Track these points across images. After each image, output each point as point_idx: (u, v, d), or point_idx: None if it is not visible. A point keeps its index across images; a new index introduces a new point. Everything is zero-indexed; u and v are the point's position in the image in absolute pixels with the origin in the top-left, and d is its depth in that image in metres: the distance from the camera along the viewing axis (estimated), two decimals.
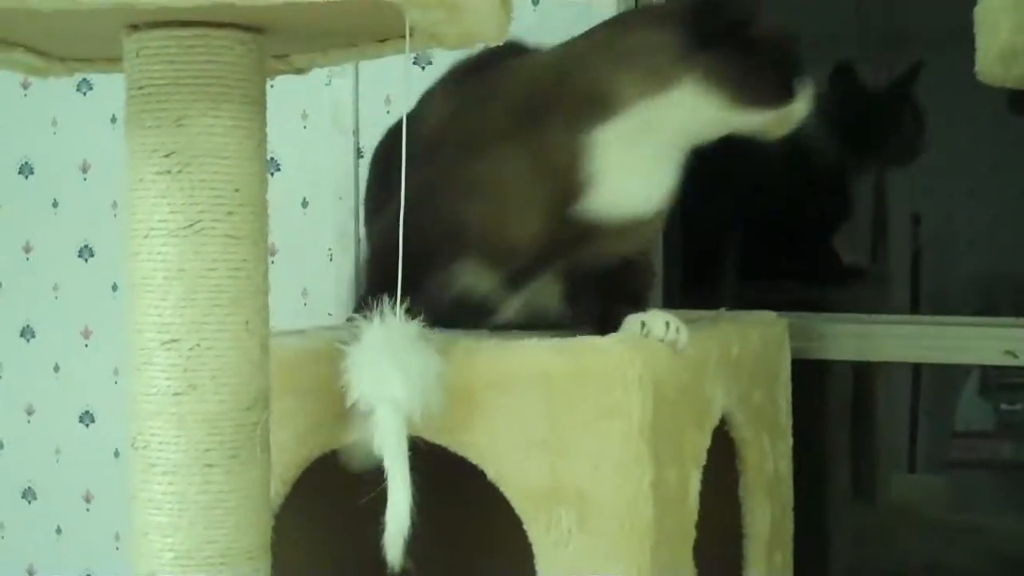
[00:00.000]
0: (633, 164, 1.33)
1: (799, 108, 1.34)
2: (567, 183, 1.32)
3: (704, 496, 1.50)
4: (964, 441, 2.90)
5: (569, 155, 1.31)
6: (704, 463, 1.34)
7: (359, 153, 1.90)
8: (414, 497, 1.11)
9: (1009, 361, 1.78)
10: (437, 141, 1.40)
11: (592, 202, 1.32)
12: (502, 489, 1.24)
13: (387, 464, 1.11)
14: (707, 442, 1.35)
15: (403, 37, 1.03)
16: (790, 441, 1.69)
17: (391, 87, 1.93)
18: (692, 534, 1.30)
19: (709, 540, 1.56)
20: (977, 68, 1.16)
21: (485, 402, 1.24)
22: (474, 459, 1.25)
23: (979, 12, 1.14)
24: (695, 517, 1.30)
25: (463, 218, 1.36)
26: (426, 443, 1.18)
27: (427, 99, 1.53)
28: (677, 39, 1.30)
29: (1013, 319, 1.86)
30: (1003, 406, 2.86)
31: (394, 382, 1.09)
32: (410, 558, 1.11)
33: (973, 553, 2.41)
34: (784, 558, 1.67)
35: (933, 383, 2.89)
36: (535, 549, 1.22)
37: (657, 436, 1.21)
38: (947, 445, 2.95)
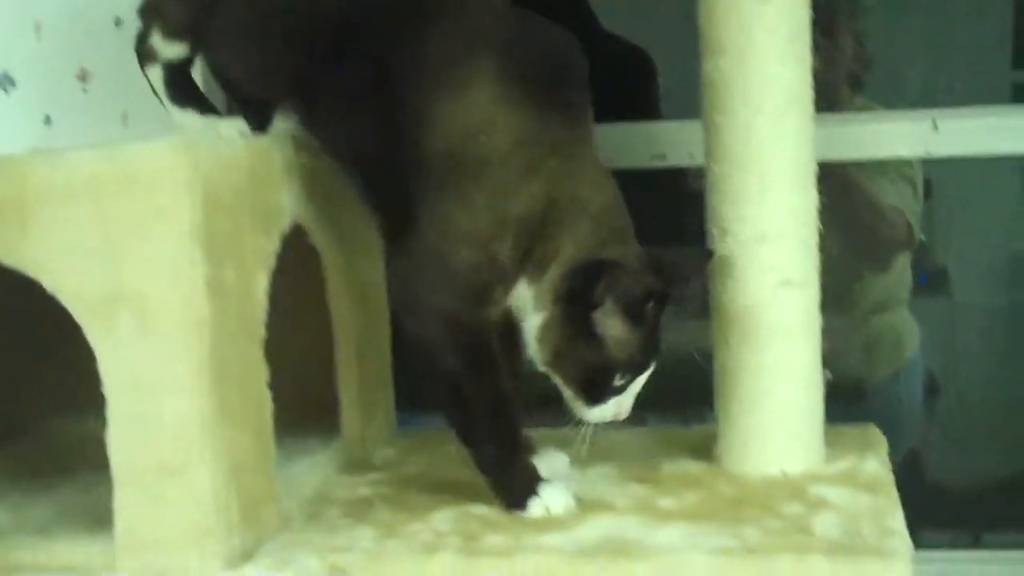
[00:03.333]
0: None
1: (589, 412, 1.40)
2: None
3: (292, 302, 1.56)
4: None
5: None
6: (273, 266, 1.38)
7: None
8: None
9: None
10: None
11: None
12: (60, 298, 1.25)
13: None
14: (274, 247, 1.39)
15: None
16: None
17: None
18: (260, 332, 1.35)
19: (300, 344, 1.64)
20: None
21: (38, 214, 1.25)
22: (31, 271, 1.25)
23: None
24: (262, 316, 1.35)
25: None
26: None
27: None
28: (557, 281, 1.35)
29: None
30: None
31: None
32: None
33: None
34: (379, 364, 1.76)
35: None
36: (97, 354, 1.25)
37: (211, 237, 1.25)
38: None
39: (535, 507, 1.36)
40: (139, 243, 1.23)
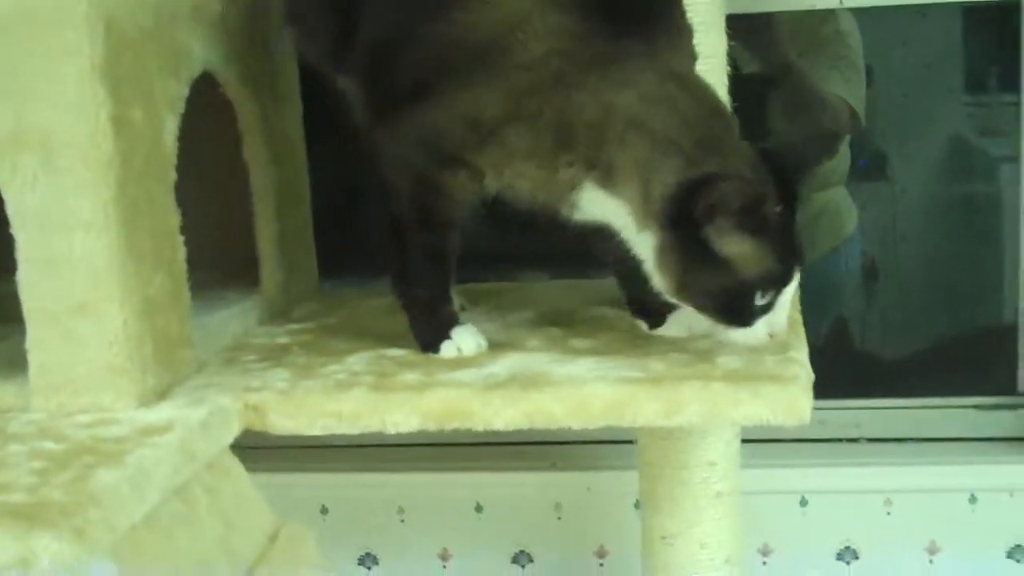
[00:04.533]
0: (598, 214, 1.35)
1: (736, 337, 1.30)
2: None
3: (212, 155, 1.56)
4: None
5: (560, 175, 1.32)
6: (182, 111, 1.37)
7: None
8: None
9: None
10: None
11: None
12: None
13: None
14: (183, 91, 1.38)
15: None
16: (298, 105, 1.76)
17: None
18: (170, 176, 1.34)
19: (222, 198, 1.64)
20: None
21: None
22: None
23: None
24: (172, 160, 1.35)
25: None
26: None
27: None
28: (665, 195, 1.25)
29: None
30: None
31: None
32: None
33: None
34: (300, 219, 1.76)
35: None
36: (4, 196, 1.24)
37: (116, 76, 1.23)
38: None
39: (447, 348, 1.40)
40: (43, 81, 1.22)
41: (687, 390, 1.24)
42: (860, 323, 2.81)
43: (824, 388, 2.04)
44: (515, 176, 1.35)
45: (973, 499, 2.04)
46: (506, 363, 1.36)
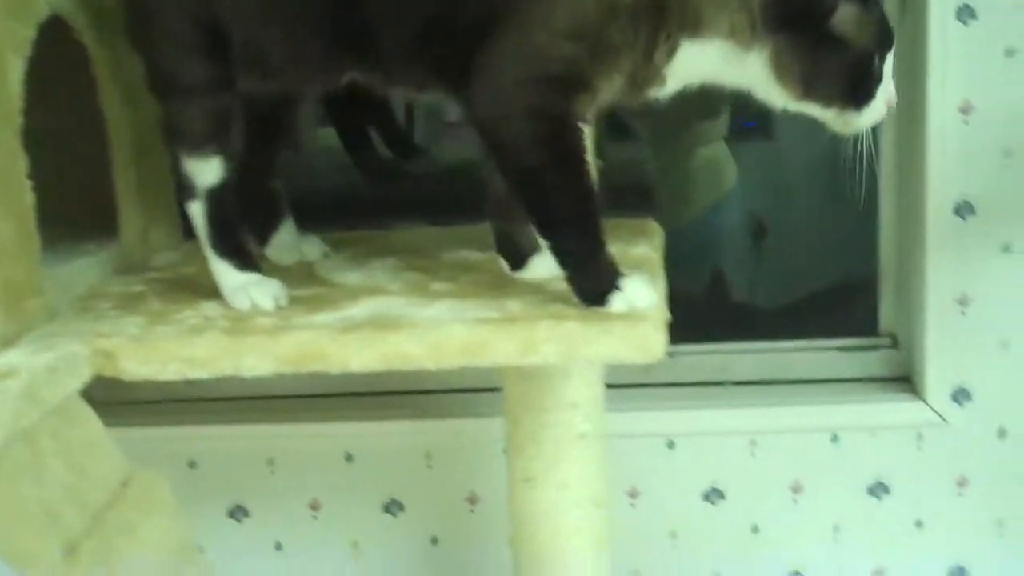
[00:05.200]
0: (692, 72, 1.31)
1: (864, 117, 1.30)
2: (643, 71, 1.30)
3: (69, 104, 1.52)
4: None
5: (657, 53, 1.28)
6: (29, 54, 1.34)
7: None
8: None
9: None
10: None
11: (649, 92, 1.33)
12: None
13: None
14: (29, 33, 1.35)
15: None
16: None
17: None
18: (16, 120, 1.31)
19: (78, 148, 1.60)
20: None
21: None
22: None
23: None
24: (18, 103, 1.31)
25: None
26: None
27: None
28: (758, 9, 1.24)
29: None
30: None
31: None
32: None
33: None
34: (159, 169, 1.73)
35: None
36: None
37: None
38: None
39: (618, 302, 1.28)
40: None
41: (541, 329, 1.25)
42: (738, 275, 2.85)
43: (696, 334, 2.08)
44: (619, 77, 1.30)
45: (835, 439, 2.09)
46: (365, 307, 1.35)
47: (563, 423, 1.58)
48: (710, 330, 2.26)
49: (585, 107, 1.29)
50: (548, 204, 1.29)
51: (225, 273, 1.41)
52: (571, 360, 1.28)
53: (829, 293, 2.57)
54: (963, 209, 1.95)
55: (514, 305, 1.32)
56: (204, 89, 1.39)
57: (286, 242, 1.61)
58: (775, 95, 1.29)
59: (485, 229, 1.50)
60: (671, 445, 2.10)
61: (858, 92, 1.28)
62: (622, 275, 1.29)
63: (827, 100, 1.28)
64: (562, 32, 1.25)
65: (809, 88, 1.27)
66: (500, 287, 1.41)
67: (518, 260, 1.45)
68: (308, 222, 1.64)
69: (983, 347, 2.00)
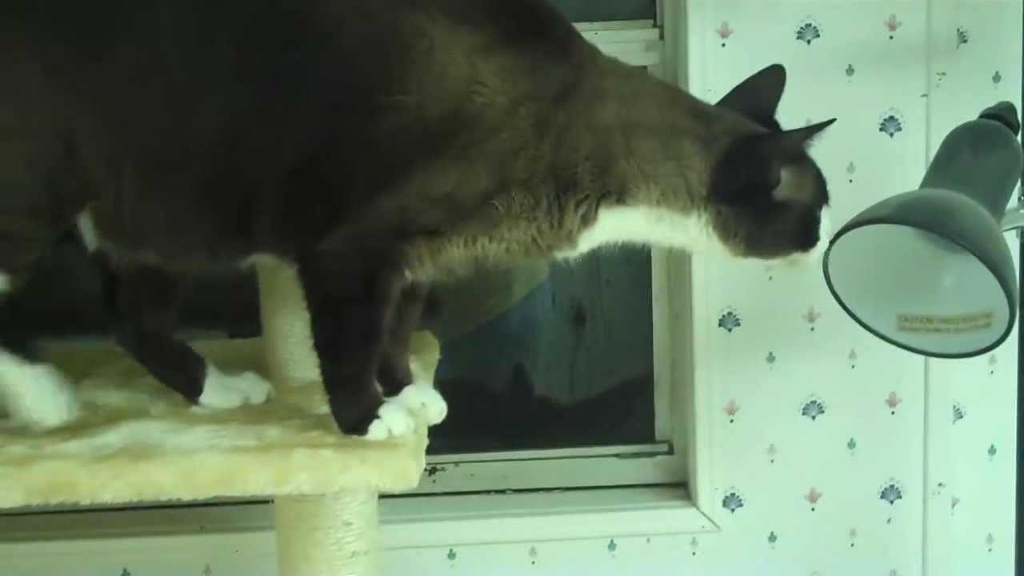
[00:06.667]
0: (617, 234, 1.34)
1: (812, 256, 1.35)
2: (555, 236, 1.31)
3: None
4: None
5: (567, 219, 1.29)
6: None
7: None
8: None
9: None
10: None
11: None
12: None
13: None
14: None
15: None
16: None
17: None
18: None
19: None
20: None
21: None
22: None
23: None
24: None
25: None
26: None
27: None
28: (705, 179, 1.26)
29: None
30: None
31: None
32: None
33: None
34: None
35: None
36: None
37: None
38: None
39: (377, 429, 1.30)
40: None
41: (296, 457, 1.26)
42: (547, 368, 2.86)
43: (488, 437, 2.08)
44: (506, 239, 1.29)
45: (612, 545, 2.13)
46: (121, 432, 1.34)
47: (335, 543, 1.57)
48: (504, 431, 2.28)
49: (423, 258, 1.29)
50: (334, 329, 1.30)
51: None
52: (326, 488, 1.28)
53: (612, 394, 2.61)
54: (727, 320, 2.03)
55: (273, 431, 1.33)
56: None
57: (218, 385, 1.50)
58: (715, 252, 1.33)
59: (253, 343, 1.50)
60: (452, 555, 2.10)
61: (804, 242, 1.34)
62: (382, 402, 1.31)
63: (774, 254, 1.34)
64: (435, 198, 1.25)
65: (755, 247, 1.32)
66: (264, 410, 1.41)
67: (392, 388, 1.42)
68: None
69: (751, 454, 2.08)
